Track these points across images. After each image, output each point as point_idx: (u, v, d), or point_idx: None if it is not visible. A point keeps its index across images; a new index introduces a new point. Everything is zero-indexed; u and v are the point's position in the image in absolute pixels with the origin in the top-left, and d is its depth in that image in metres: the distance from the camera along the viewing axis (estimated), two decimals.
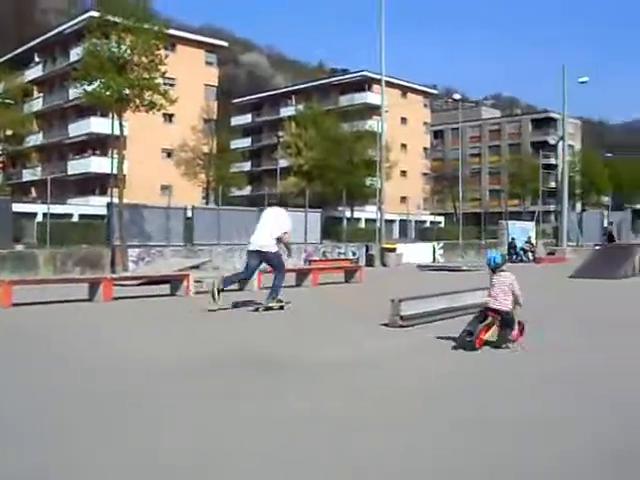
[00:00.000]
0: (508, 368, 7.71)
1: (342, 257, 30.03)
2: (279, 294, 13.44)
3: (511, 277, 8.86)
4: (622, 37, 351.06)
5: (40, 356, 8.34)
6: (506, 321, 8.67)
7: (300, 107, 75.29)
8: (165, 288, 16.29)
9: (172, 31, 43.43)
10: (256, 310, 13.10)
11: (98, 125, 59.02)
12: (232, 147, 72.29)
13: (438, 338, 9.65)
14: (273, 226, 13.33)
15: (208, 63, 70.64)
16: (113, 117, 26.37)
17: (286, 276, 16.25)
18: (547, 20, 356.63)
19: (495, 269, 8.94)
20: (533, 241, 41.08)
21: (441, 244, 38.61)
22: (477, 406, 5.88)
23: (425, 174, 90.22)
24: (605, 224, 41.81)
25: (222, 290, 12.94)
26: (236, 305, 13.69)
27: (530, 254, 37.81)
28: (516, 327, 8.86)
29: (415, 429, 5.17)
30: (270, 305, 13.17)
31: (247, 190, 78.66)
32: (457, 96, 72.18)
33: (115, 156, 27.83)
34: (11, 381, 6.81)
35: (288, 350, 8.75)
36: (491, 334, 8.70)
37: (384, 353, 8.61)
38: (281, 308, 13.31)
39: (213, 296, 12.76)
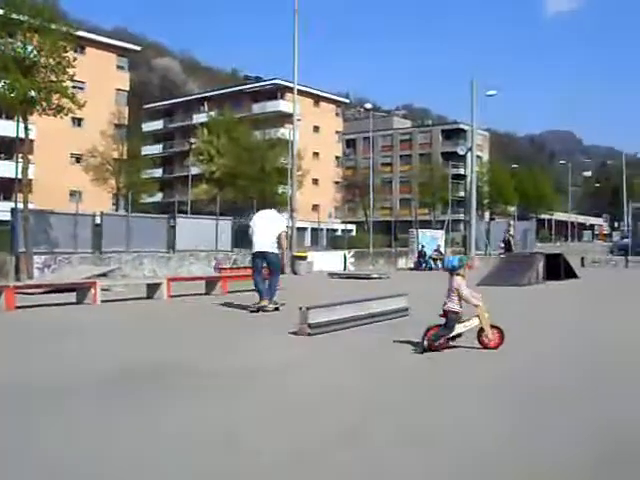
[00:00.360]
0: (425, 371, 7.82)
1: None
2: (275, 296, 13.97)
3: (459, 280, 9.19)
4: (527, 54, 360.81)
5: None
6: (447, 320, 9.07)
7: (213, 114, 74.86)
8: (71, 296, 15.93)
9: (82, 33, 42.67)
10: (257, 311, 13.57)
11: (2, 128, 57.32)
12: (143, 153, 71.30)
13: (345, 346, 9.73)
14: (273, 228, 14.05)
15: (119, 67, 69.61)
16: (18, 120, 25.60)
17: (195, 284, 16.24)
18: (458, 34, 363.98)
19: (452, 272, 9.24)
20: (442, 249, 41.75)
21: (352, 252, 38.87)
22: (373, 414, 5.92)
23: (337, 182, 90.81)
24: (508, 232, 42.57)
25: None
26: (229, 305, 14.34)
27: (439, 262, 38.43)
28: (491, 333, 9.28)
29: (311, 437, 5.17)
30: (266, 307, 13.68)
31: (158, 197, 77.77)
32: (368, 105, 73.09)
33: (20, 160, 27.06)
34: None
35: (187, 360, 8.60)
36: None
37: (288, 362, 8.55)
38: (276, 309, 13.78)
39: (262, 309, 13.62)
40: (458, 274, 9.22)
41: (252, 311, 13.56)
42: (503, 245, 39.55)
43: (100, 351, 9.28)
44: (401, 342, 9.76)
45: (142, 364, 8.20)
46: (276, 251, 14.10)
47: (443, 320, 9.18)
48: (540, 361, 8.73)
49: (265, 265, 14.21)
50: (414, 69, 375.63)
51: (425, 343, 8.88)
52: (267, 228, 14.04)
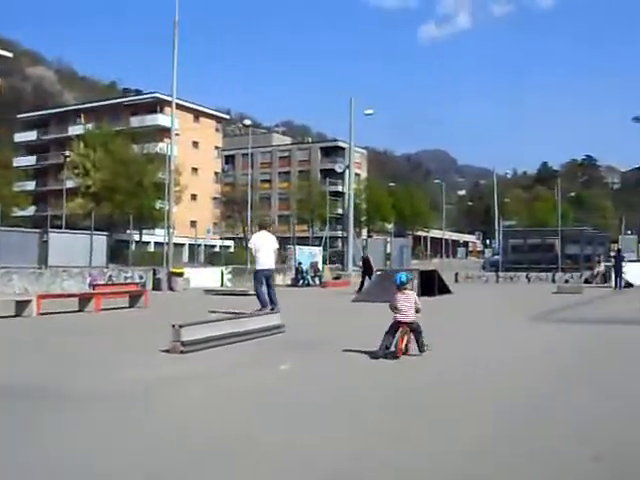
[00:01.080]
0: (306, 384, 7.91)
1: (128, 281, 29.39)
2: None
3: (414, 294, 10.42)
4: (404, 75, 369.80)
5: None
6: (415, 329, 10.11)
7: (89, 126, 73.36)
8: None
9: None
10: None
11: None
12: (15, 165, 69.09)
13: (216, 363, 9.74)
14: (273, 248, 16.59)
15: None
16: None
17: (68, 301, 15.95)
18: (338, 52, 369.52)
19: (400, 287, 10.22)
20: (320, 266, 42.17)
21: (230, 269, 38.71)
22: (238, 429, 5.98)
23: (215, 198, 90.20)
24: (365, 248, 42.90)
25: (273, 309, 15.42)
26: None
27: (317, 278, 38.81)
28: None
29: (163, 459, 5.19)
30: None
31: (31, 210, 75.28)
32: (247, 122, 73.10)
33: None
34: None
35: (50, 381, 8.37)
36: (406, 343, 10.05)
37: (157, 380, 8.45)
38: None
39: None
40: (406, 289, 10.32)
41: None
42: (361, 264, 39.01)
43: None
44: (273, 358, 9.85)
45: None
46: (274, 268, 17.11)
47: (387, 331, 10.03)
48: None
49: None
50: (295, 86, 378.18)
51: (392, 349, 9.83)
52: (269, 248, 16.48)
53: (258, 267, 16.52)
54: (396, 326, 9.95)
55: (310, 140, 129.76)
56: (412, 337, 10.13)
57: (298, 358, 10.25)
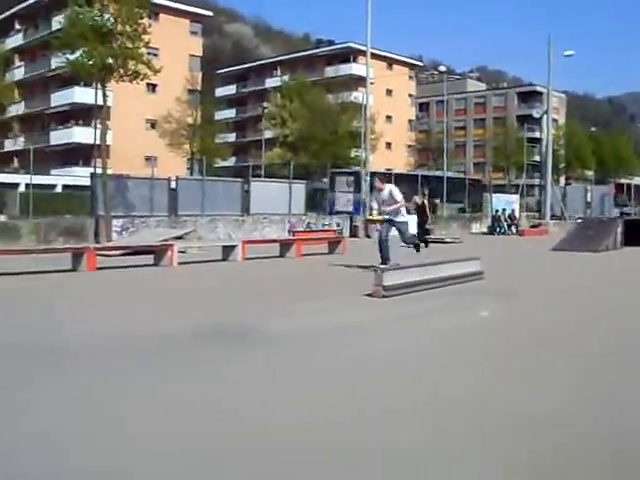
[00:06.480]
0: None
1: (326, 228, 30.03)
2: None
3: None
4: (604, 13, 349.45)
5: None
6: None
7: (285, 78, 74.84)
8: (149, 258, 16.24)
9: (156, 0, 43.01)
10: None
11: (81, 95, 57.98)
12: (217, 118, 71.78)
13: (419, 308, 9.82)
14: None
15: (192, 33, 69.80)
16: (96, 87, 25.98)
17: (268, 247, 16.54)
18: None
19: None
20: (517, 214, 41.22)
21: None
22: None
23: (410, 146, 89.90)
24: (588, 197, 41.41)
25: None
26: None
27: (514, 227, 38.02)
28: None
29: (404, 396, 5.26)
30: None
31: (232, 161, 78.34)
32: (442, 68, 71.93)
33: (99, 126, 27.59)
34: None
35: (256, 319, 8.75)
36: None
37: (370, 321, 8.70)
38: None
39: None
40: None
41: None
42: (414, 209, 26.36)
43: (192, 311, 9.53)
44: (472, 304, 9.78)
45: (220, 323, 8.43)
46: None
47: None
48: None
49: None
50: (488, 30, 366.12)
51: None
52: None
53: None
54: None
55: (506, 85, 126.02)
56: None
57: (499, 305, 10.13)
